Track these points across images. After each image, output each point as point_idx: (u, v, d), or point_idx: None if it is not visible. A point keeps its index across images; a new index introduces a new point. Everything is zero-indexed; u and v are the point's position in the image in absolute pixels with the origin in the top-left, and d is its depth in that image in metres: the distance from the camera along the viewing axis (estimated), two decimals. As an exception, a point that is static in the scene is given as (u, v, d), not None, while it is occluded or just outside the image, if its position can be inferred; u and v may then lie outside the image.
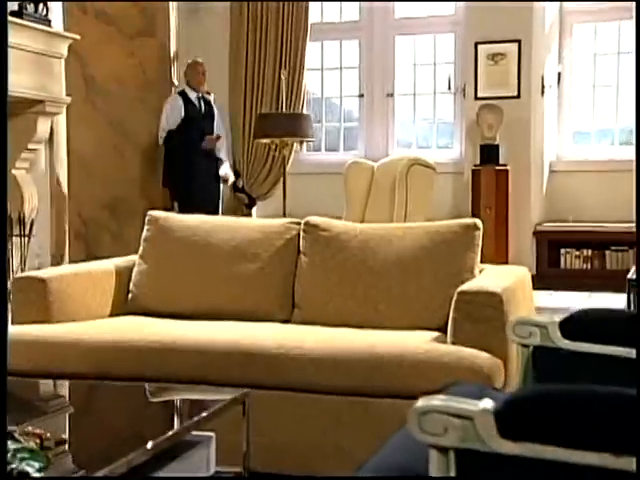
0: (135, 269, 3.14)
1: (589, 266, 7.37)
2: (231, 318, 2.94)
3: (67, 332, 2.59)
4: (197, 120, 6.97)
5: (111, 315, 2.99)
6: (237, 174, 7.90)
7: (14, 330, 2.66)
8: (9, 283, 3.82)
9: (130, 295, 3.09)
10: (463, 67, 7.78)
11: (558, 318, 1.67)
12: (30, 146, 5.58)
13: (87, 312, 2.87)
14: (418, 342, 2.40)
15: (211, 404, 1.96)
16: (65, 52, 5.62)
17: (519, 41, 7.24)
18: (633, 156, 7.56)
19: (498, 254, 6.98)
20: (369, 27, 8.37)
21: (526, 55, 7.25)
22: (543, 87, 7.45)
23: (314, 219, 3.03)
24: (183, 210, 6.97)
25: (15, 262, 5.46)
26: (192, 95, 7.07)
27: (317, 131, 8.28)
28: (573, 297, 6.61)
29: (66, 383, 2.31)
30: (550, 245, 7.40)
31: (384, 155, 8.33)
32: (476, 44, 7.34)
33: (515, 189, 7.11)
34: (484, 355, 2.22)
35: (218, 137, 6.97)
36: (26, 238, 5.57)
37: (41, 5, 5.32)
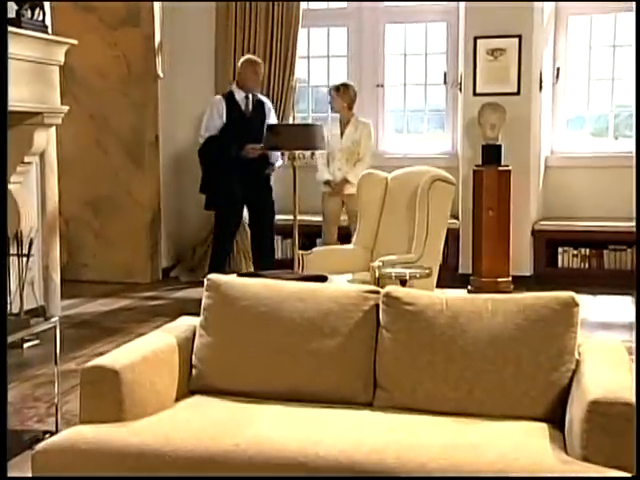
0: (197, 340, 2.91)
1: (587, 265, 7.32)
2: (308, 399, 2.73)
3: (151, 440, 2.36)
4: (242, 124, 6.61)
5: (177, 398, 2.76)
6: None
7: (89, 432, 2.42)
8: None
9: (194, 371, 2.86)
10: (457, 59, 7.59)
11: None
12: (26, 159, 5.24)
13: (156, 399, 2.64)
14: (545, 456, 2.23)
15: None
16: (62, 58, 5.27)
17: (519, 36, 7.07)
18: (629, 150, 7.53)
19: (499, 256, 6.89)
20: (358, 14, 8.11)
21: (526, 50, 7.09)
22: (541, 82, 7.31)
23: (395, 290, 2.83)
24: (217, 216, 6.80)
25: (13, 284, 5.15)
26: (239, 96, 6.68)
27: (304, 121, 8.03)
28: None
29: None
30: (548, 244, 7.34)
31: (374, 148, 8.13)
32: (475, 38, 7.14)
33: (515, 188, 6.99)
34: (632, 480, 2.08)
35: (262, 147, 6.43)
36: (24, 258, 5.25)
37: (37, 10, 4.93)
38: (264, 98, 6.83)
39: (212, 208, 6.86)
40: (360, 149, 6.77)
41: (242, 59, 6.98)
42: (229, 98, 6.71)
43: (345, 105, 6.84)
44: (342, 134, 6.80)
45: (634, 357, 4.64)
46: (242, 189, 6.68)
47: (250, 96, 6.64)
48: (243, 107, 6.69)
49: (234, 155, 6.54)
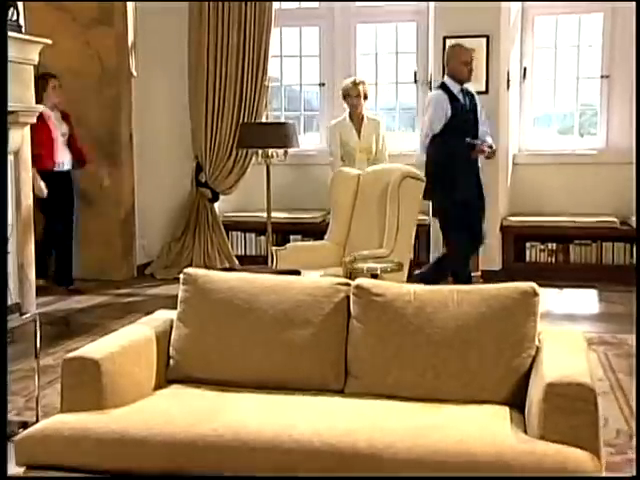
0: (174, 332, 3.01)
1: (554, 260, 7.50)
2: (282, 387, 2.85)
3: (132, 426, 2.46)
4: (461, 120, 6.11)
5: (156, 387, 2.87)
6: (200, 168, 7.72)
7: (72, 420, 2.51)
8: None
9: (172, 362, 2.97)
10: (427, 58, 7.73)
11: None
12: (1, 158, 5.27)
13: (136, 389, 2.74)
14: (506, 436, 2.37)
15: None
16: (36, 58, 5.32)
17: (487, 36, 7.21)
18: (593, 147, 7.73)
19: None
20: (329, 14, 8.22)
21: (494, 50, 7.23)
22: (509, 81, 7.46)
23: (365, 282, 2.95)
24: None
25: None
26: (455, 89, 6.17)
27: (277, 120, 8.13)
28: (543, 294, 6.66)
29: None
30: (516, 239, 7.51)
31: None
32: (444, 38, 7.26)
33: (484, 185, 7.11)
34: (587, 458, 2.21)
35: (490, 147, 6.25)
36: None
37: (11, 10, 4.98)
38: (471, 89, 6.35)
39: (443, 213, 6.29)
40: (377, 148, 6.76)
41: (451, 44, 6.52)
42: (446, 91, 6.16)
43: (363, 103, 6.82)
44: (359, 133, 6.80)
45: (634, 357, 4.78)
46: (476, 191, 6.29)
47: (464, 88, 6.20)
48: (462, 101, 6.17)
49: (465, 155, 6.11)
